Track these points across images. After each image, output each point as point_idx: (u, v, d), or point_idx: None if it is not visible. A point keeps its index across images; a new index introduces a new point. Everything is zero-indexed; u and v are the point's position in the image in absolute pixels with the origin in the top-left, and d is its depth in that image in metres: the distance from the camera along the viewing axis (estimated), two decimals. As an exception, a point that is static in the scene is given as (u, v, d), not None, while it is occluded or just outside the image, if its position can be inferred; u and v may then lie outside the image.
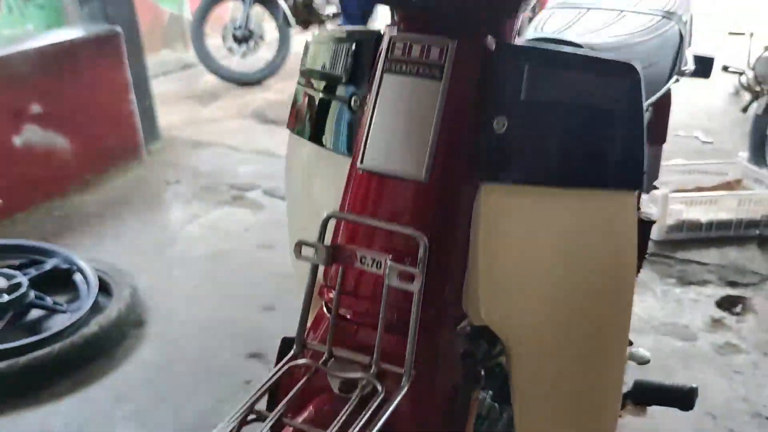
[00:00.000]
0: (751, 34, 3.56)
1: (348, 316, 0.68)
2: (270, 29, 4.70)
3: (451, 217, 0.67)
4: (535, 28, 1.29)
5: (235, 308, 2.08)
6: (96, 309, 1.95)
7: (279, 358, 0.69)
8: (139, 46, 3.08)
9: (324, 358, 0.64)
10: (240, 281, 2.23)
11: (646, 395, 1.28)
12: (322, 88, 0.77)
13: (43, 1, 3.73)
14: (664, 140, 1.58)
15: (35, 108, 2.60)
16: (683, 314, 2.05)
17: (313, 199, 0.79)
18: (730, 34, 3.76)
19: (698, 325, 1.99)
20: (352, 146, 0.72)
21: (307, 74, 0.79)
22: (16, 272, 1.98)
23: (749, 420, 1.65)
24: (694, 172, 2.79)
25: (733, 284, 2.19)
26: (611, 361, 0.78)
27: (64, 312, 1.94)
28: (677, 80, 1.47)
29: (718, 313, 2.05)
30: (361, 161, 0.67)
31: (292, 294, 2.30)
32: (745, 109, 3.34)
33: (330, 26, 5.10)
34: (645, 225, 1.53)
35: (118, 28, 2.86)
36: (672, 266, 2.30)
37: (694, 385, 1.27)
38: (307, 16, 4.86)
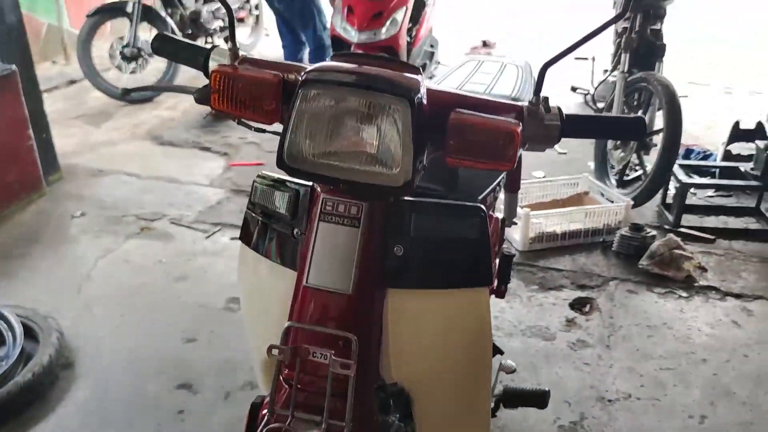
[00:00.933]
0: (593, 59, 4.15)
1: (300, 386, 0.97)
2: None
3: (370, 315, 0.99)
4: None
5: (158, 342, 2.28)
6: (23, 355, 2.09)
7: (250, 419, 0.98)
8: (35, 82, 3.12)
9: (288, 421, 0.93)
10: (160, 315, 2.42)
11: (511, 399, 1.67)
12: (270, 220, 1.05)
13: None
14: (518, 188, 1.98)
15: (-67, 152, 2.62)
16: (545, 317, 2.49)
17: (266, 300, 1.08)
18: (576, 58, 4.32)
19: (556, 326, 2.44)
20: (295, 263, 1.01)
21: (257, 206, 1.07)
22: (-59, 325, 2.07)
23: (595, 403, 2.09)
24: (551, 186, 3.27)
25: (582, 287, 2.67)
26: (480, 397, 1.14)
27: (-7, 361, 2.06)
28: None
29: (572, 314, 2.51)
30: (306, 281, 0.97)
31: (210, 325, 2.56)
32: (591, 126, 3.89)
33: (217, 40, 5.21)
34: (507, 258, 1.93)
35: (14, 67, 2.90)
36: (535, 273, 2.75)
37: (546, 389, 1.67)
38: (195, 31, 4.95)
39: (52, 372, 2.08)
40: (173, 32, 4.57)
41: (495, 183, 1.61)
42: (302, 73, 0.92)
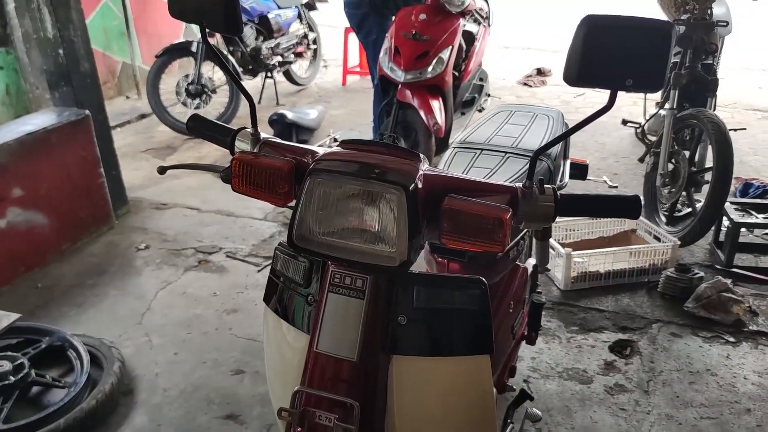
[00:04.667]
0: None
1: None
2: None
3: (374, 381, 1.08)
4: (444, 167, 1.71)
5: (209, 373, 2.43)
6: (89, 382, 2.28)
7: None
8: (106, 124, 3.39)
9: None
10: (211, 346, 2.58)
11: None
12: (288, 285, 1.16)
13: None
14: (549, 237, 2.02)
15: (16, 192, 2.88)
16: (582, 359, 2.50)
17: (283, 361, 1.19)
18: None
19: (594, 369, 2.45)
20: (308, 326, 1.11)
21: (277, 273, 1.18)
22: (17, 354, 2.28)
23: (628, 450, 2.10)
24: (598, 223, 3.27)
25: (624, 329, 2.66)
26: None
27: (62, 387, 2.25)
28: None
29: (611, 357, 2.51)
30: (317, 346, 1.07)
31: (257, 358, 2.67)
32: (641, 159, 3.86)
33: (276, 75, 5.45)
34: (537, 306, 1.98)
35: (87, 112, 3.16)
36: (576, 314, 2.76)
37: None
38: (255, 67, 5.20)
39: (114, 399, 2.26)
40: (235, 69, 4.80)
41: (518, 237, 1.67)
42: (311, 161, 1.03)
